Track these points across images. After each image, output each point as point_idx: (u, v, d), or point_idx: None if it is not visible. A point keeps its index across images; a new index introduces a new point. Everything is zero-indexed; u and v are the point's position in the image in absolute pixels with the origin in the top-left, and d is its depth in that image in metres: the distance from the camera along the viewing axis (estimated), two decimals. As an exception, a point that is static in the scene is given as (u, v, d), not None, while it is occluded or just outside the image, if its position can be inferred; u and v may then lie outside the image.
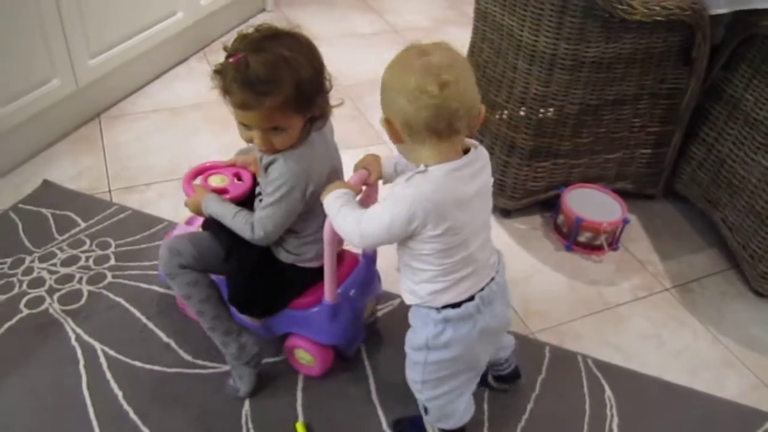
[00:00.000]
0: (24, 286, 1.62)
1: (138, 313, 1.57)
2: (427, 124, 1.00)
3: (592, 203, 1.89)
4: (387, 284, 1.69)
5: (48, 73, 2.02)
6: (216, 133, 2.22)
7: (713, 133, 1.88)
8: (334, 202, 1.12)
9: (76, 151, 2.15)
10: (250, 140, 1.20)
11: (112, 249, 1.74)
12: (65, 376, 1.41)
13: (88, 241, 1.76)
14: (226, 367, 1.44)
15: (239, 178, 1.37)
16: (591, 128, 1.88)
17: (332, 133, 1.32)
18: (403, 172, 1.16)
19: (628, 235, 1.93)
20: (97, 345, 1.48)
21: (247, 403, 1.39)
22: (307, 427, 1.35)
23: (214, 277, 1.37)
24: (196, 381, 1.43)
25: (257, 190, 1.32)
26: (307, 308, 1.36)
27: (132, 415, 1.35)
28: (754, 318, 1.72)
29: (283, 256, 1.33)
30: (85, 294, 1.61)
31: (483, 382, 1.36)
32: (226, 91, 1.14)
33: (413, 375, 1.20)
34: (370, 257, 1.45)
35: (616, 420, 1.42)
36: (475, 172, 1.06)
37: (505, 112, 1.91)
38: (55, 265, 1.68)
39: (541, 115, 1.82)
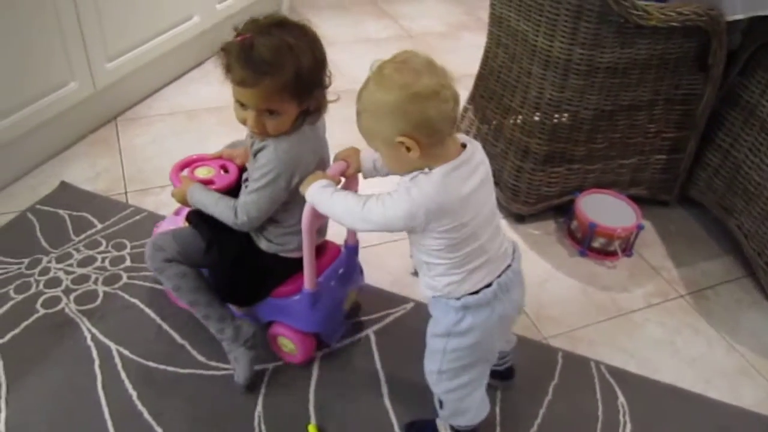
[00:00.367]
0: (41, 286, 1.64)
1: (153, 314, 1.58)
2: (451, 119, 1.03)
3: (606, 209, 1.89)
4: (399, 288, 1.71)
5: (66, 76, 2.05)
6: (231, 136, 2.23)
7: (729, 139, 1.87)
8: (322, 190, 1.15)
9: (93, 153, 2.17)
10: (244, 121, 1.21)
11: (128, 250, 1.76)
12: (81, 376, 1.43)
13: (104, 242, 1.78)
14: (239, 369, 1.46)
15: (225, 170, 1.40)
16: (606, 134, 1.87)
17: (324, 130, 1.33)
18: (382, 168, 1.20)
19: (642, 241, 1.92)
20: (112, 345, 1.50)
21: (259, 404, 1.39)
22: (319, 429, 1.36)
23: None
24: (210, 382, 1.43)
25: (244, 176, 1.33)
26: (289, 296, 1.38)
27: (146, 415, 1.36)
28: (770, 326, 1.71)
29: (265, 246, 1.35)
30: (101, 294, 1.63)
31: None
32: (228, 68, 1.17)
33: (431, 365, 1.21)
34: (352, 248, 1.48)
35: (629, 426, 1.41)
36: (474, 167, 1.08)
37: (519, 117, 1.91)
38: (71, 265, 1.70)
39: (555, 120, 1.82)
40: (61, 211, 1.88)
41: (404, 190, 1.04)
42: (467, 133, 2.21)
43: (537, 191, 1.93)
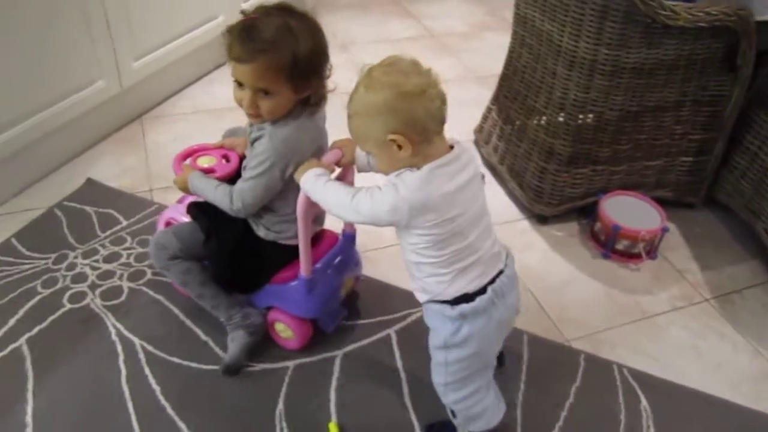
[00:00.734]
0: (67, 281, 1.66)
1: (176, 310, 1.59)
2: (438, 118, 1.06)
3: (630, 211, 1.87)
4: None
5: (94, 75, 2.08)
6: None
7: (757, 141, 1.84)
8: (316, 179, 1.18)
9: (119, 151, 2.20)
10: (240, 101, 1.23)
11: (152, 247, 1.78)
12: (105, 370, 1.45)
13: (129, 239, 1.80)
14: (261, 366, 1.47)
15: (227, 159, 1.43)
16: (631, 135, 1.85)
17: (324, 120, 1.34)
18: (375, 164, 1.20)
19: (667, 244, 1.90)
20: (137, 340, 1.51)
21: (281, 402, 1.40)
22: (340, 428, 1.36)
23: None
24: (232, 379, 1.44)
25: (243, 164, 1.35)
26: (286, 282, 1.41)
27: (169, 410, 1.37)
28: (798, 331, 1.68)
29: (263, 233, 1.37)
30: (126, 290, 1.65)
31: None
32: (229, 47, 1.19)
33: (437, 378, 1.23)
34: (350, 236, 1.50)
35: (652, 431, 1.40)
36: (461, 165, 1.10)
37: (544, 117, 1.90)
38: (97, 261, 1.73)
39: (580, 121, 1.81)
40: (87, 208, 1.91)
41: (391, 185, 1.07)
42: (490, 133, 2.21)
43: (561, 192, 1.91)
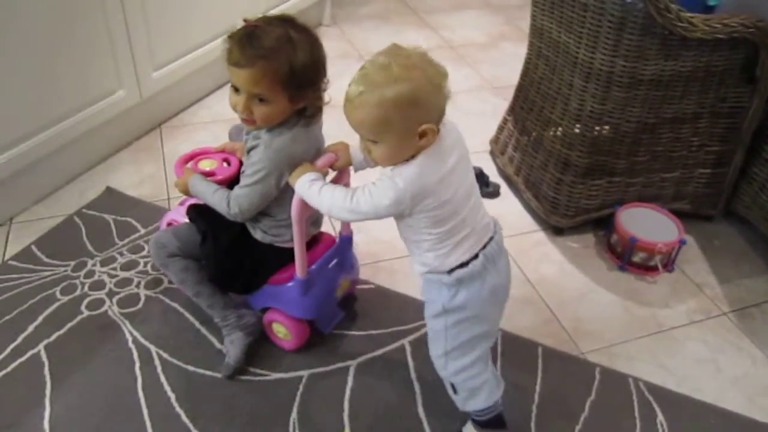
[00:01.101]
0: (86, 288, 1.68)
1: (192, 319, 1.61)
2: (443, 109, 1.09)
3: (647, 223, 1.86)
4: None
5: (114, 84, 2.11)
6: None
7: (777, 153, 1.82)
8: (311, 183, 1.20)
9: (138, 160, 2.23)
10: (235, 106, 1.25)
11: (169, 255, 1.80)
12: (122, 377, 1.46)
13: (146, 247, 1.82)
14: (275, 375, 1.48)
15: (228, 163, 1.46)
16: (648, 147, 1.84)
17: (320, 128, 1.36)
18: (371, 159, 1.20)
19: (684, 256, 1.88)
20: (153, 348, 1.53)
21: (294, 411, 1.40)
22: (353, 438, 1.36)
23: None
24: (246, 387, 1.45)
25: (242, 169, 1.37)
26: (283, 283, 1.44)
27: (183, 417, 1.38)
28: (818, 347, 1.65)
29: (260, 236, 1.40)
30: (143, 298, 1.66)
31: None
32: (229, 52, 1.22)
33: (437, 349, 1.25)
34: (346, 239, 1.53)
35: (668, 446, 1.39)
36: (450, 147, 1.11)
37: (560, 128, 1.89)
38: (115, 269, 1.75)
39: (596, 133, 1.80)
40: (106, 216, 1.94)
41: (388, 179, 1.09)
42: (506, 144, 2.21)
43: (576, 204, 1.91)
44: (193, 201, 1.50)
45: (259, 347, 1.53)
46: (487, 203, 2.06)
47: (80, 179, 2.12)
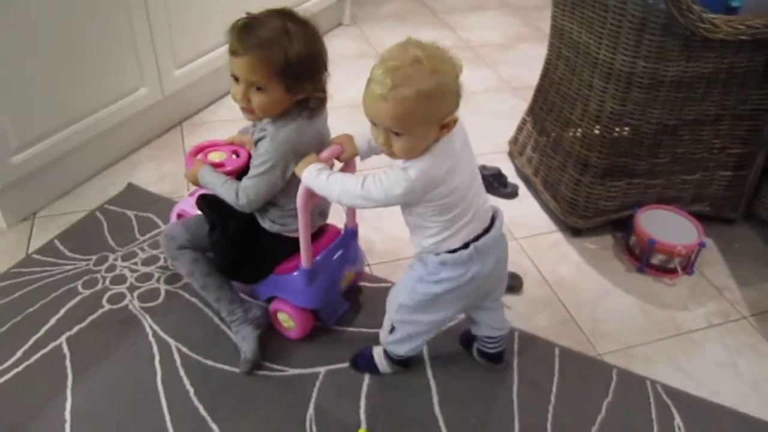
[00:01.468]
0: (107, 283, 1.70)
1: (211, 314, 1.62)
2: (461, 95, 1.11)
3: (666, 225, 1.85)
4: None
5: (137, 82, 2.14)
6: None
7: (799, 156, 1.81)
8: (318, 172, 1.22)
9: (159, 157, 2.25)
10: (235, 96, 1.29)
11: (189, 251, 1.82)
12: (142, 370, 1.48)
13: (166, 243, 1.84)
14: (293, 371, 1.49)
15: (237, 155, 1.49)
16: (668, 148, 1.83)
17: (325, 122, 1.39)
18: (377, 147, 1.20)
19: (704, 259, 1.87)
20: (172, 342, 1.55)
21: (311, 407, 1.41)
22: (370, 435, 1.37)
23: None
24: (264, 383, 1.47)
25: (251, 161, 1.41)
26: (288, 273, 1.47)
27: (202, 411, 1.39)
28: (840, 352, 1.63)
29: (268, 226, 1.43)
30: (163, 293, 1.68)
31: (466, 345, 1.53)
32: (230, 42, 1.26)
33: (397, 296, 1.33)
34: (351, 231, 1.56)
35: (685, 449, 1.38)
36: (456, 131, 1.14)
37: (579, 129, 1.89)
38: (136, 263, 1.77)
39: (616, 134, 1.79)
40: (127, 212, 1.96)
41: (400, 170, 1.12)
42: (525, 145, 2.20)
43: (595, 205, 1.90)
44: (202, 191, 1.54)
45: (276, 343, 1.55)
46: (506, 204, 2.09)
47: (102, 175, 2.15)
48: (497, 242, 1.25)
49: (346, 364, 1.51)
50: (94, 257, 1.79)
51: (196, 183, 1.45)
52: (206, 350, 1.53)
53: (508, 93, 2.75)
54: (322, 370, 1.50)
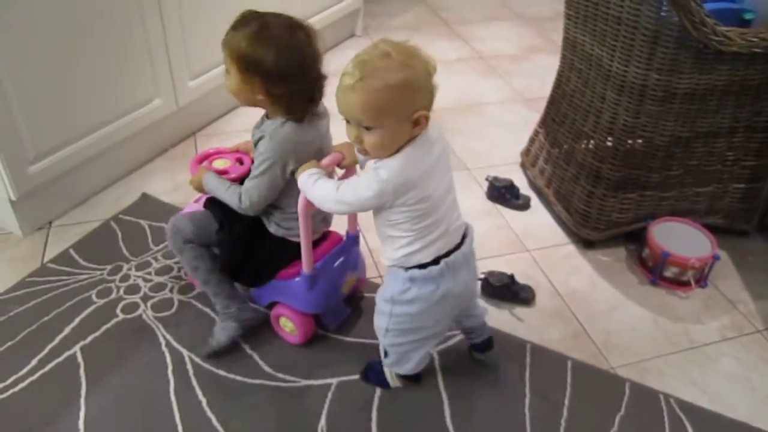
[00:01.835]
0: (121, 292, 1.72)
1: (224, 324, 1.63)
2: (434, 97, 1.13)
3: (679, 237, 1.84)
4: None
5: (152, 93, 2.16)
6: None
7: (814, 169, 1.79)
8: (309, 177, 1.25)
9: (173, 167, 2.27)
10: (229, 88, 1.37)
11: (202, 261, 1.83)
12: (155, 380, 1.49)
13: (180, 253, 1.85)
14: (305, 381, 1.49)
15: (240, 162, 1.52)
16: (681, 160, 1.83)
17: (327, 128, 1.43)
18: None
19: (717, 272, 1.86)
20: (185, 352, 1.55)
21: (323, 419, 1.42)
22: (381, 447, 1.37)
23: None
24: (276, 393, 1.47)
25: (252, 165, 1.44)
26: (291, 278, 1.49)
27: (215, 421, 1.40)
28: None
29: (273, 229, 1.46)
30: (176, 303, 1.69)
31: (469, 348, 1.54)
32: None
33: (380, 322, 1.34)
34: (353, 237, 1.57)
35: (699, 464, 1.37)
36: (432, 142, 1.16)
37: (592, 141, 1.89)
38: (149, 273, 1.78)
39: (628, 146, 1.79)
40: (141, 221, 1.98)
41: (372, 171, 1.13)
42: (537, 156, 2.20)
43: (608, 217, 1.90)
44: (208, 197, 1.55)
45: (288, 354, 1.55)
46: (518, 215, 2.08)
47: (117, 185, 2.17)
48: (467, 259, 1.27)
49: (357, 376, 1.51)
50: (109, 267, 1.80)
51: (200, 189, 1.49)
52: (218, 360, 1.54)
53: (521, 104, 2.75)
54: (334, 381, 1.50)
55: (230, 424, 1.40)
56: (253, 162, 1.44)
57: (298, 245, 1.42)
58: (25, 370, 1.50)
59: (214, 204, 1.50)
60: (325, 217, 1.53)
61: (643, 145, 1.78)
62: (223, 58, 1.34)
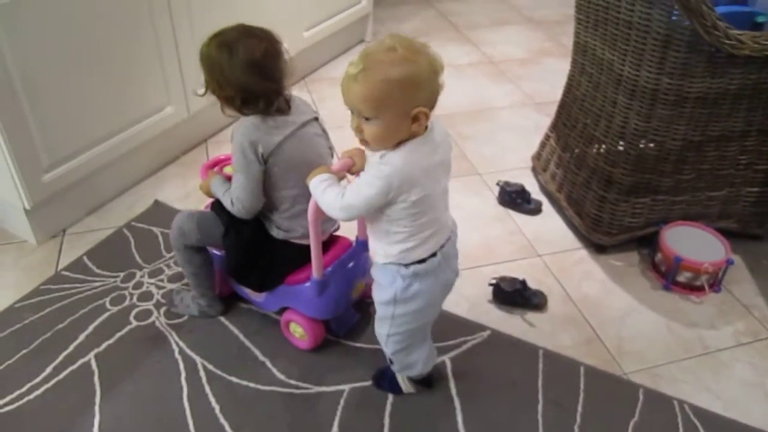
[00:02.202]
0: (134, 299, 1.73)
1: (236, 331, 1.64)
2: (437, 97, 1.13)
3: (692, 242, 1.83)
4: (476, 315, 1.70)
5: (163, 101, 2.18)
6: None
7: (829, 172, 1.78)
8: (320, 183, 1.25)
9: (185, 174, 2.28)
10: None
11: (215, 268, 1.84)
12: (168, 387, 1.50)
13: (192, 260, 1.86)
14: (317, 388, 1.50)
15: None
16: (693, 165, 1.82)
17: (318, 136, 1.47)
18: None
19: (731, 276, 1.84)
20: (198, 359, 1.56)
21: (335, 425, 1.42)
22: (394, 454, 1.37)
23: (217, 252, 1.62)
24: (289, 399, 1.47)
25: None
26: (300, 284, 1.49)
27: (228, 428, 1.40)
28: None
29: (275, 232, 1.47)
30: (189, 310, 1.70)
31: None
32: None
33: (381, 329, 1.34)
34: (362, 242, 1.55)
35: (715, 471, 1.36)
36: (436, 144, 1.16)
37: (603, 146, 1.88)
38: (162, 280, 1.79)
39: (640, 150, 1.78)
40: (154, 229, 1.99)
41: (375, 168, 1.13)
42: (548, 161, 2.20)
43: (620, 222, 1.89)
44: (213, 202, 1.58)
45: (300, 361, 1.56)
46: (530, 220, 2.08)
47: (129, 192, 2.19)
48: (454, 245, 1.30)
49: (370, 382, 1.51)
50: (122, 274, 1.81)
51: (209, 194, 1.52)
52: (231, 367, 1.54)
53: (531, 108, 2.75)
54: (346, 388, 1.50)
55: (243, 430, 1.40)
56: None
57: (302, 248, 1.43)
58: (40, 378, 1.51)
59: (222, 209, 1.50)
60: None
61: (655, 149, 1.78)
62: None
